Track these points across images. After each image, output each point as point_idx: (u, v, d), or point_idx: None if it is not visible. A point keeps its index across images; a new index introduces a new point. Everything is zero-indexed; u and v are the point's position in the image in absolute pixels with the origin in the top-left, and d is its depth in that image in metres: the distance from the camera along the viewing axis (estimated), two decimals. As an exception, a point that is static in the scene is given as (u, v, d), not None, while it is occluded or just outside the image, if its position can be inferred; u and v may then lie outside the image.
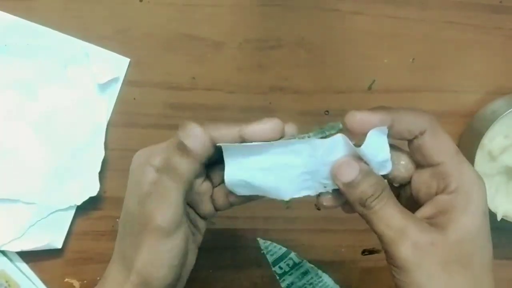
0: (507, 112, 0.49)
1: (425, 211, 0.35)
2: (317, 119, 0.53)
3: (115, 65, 0.50)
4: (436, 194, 0.35)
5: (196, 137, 0.35)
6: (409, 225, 0.34)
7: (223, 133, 0.36)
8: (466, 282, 0.33)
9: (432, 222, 0.34)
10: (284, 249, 0.54)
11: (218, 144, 0.36)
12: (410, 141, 0.36)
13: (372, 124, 0.34)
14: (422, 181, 0.36)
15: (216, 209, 0.40)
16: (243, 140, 0.35)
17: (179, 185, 0.35)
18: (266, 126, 0.35)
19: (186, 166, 0.35)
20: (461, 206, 0.34)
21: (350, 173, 0.34)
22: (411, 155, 0.36)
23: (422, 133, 0.35)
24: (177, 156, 0.35)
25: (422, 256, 0.33)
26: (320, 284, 0.55)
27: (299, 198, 0.37)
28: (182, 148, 0.35)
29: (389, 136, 0.35)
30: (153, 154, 0.36)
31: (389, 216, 0.34)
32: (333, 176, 0.35)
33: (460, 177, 0.34)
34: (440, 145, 0.35)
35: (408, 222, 0.34)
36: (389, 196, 0.35)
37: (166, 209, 0.35)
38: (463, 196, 0.34)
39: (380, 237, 0.35)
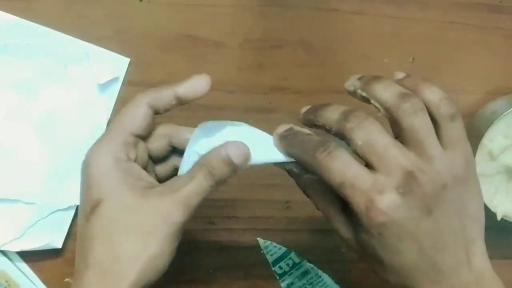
0: (507, 112, 0.49)
1: None
2: (317, 119, 0.53)
3: (115, 65, 0.50)
4: None
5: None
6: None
7: (159, 96, 0.38)
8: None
9: None
10: (284, 249, 0.54)
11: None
12: None
13: None
14: None
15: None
16: (179, 100, 0.38)
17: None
18: (197, 81, 0.38)
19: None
20: (357, 222, 0.36)
21: None
22: None
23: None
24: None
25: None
26: (320, 284, 0.55)
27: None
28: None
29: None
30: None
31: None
32: None
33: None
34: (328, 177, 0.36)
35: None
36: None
37: (184, 202, 0.35)
38: (356, 218, 0.36)
39: None
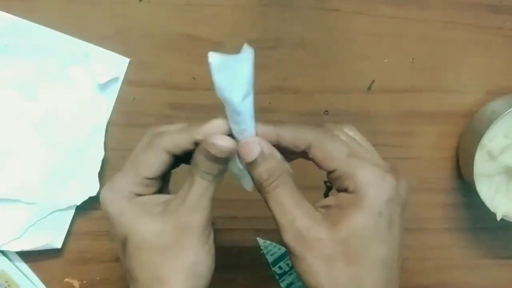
0: (507, 112, 0.49)
1: (328, 201, 0.36)
2: (317, 119, 0.53)
3: (115, 65, 0.50)
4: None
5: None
6: (298, 216, 0.35)
7: (177, 143, 0.36)
8: (346, 277, 0.34)
9: (328, 214, 0.35)
10: (284, 249, 0.54)
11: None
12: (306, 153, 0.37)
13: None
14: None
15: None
16: (196, 145, 0.36)
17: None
18: (213, 125, 0.36)
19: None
20: (355, 205, 0.34)
21: (250, 154, 0.36)
22: None
23: (308, 147, 0.36)
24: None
25: (306, 248, 0.35)
26: (320, 284, 0.55)
27: None
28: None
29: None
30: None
31: (281, 202, 0.36)
32: (238, 153, 0.36)
33: (354, 180, 0.35)
34: (328, 155, 0.36)
35: (298, 212, 0.35)
36: (285, 182, 0.36)
37: (195, 207, 0.36)
38: (359, 196, 0.34)
39: (274, 220, 0.36)
